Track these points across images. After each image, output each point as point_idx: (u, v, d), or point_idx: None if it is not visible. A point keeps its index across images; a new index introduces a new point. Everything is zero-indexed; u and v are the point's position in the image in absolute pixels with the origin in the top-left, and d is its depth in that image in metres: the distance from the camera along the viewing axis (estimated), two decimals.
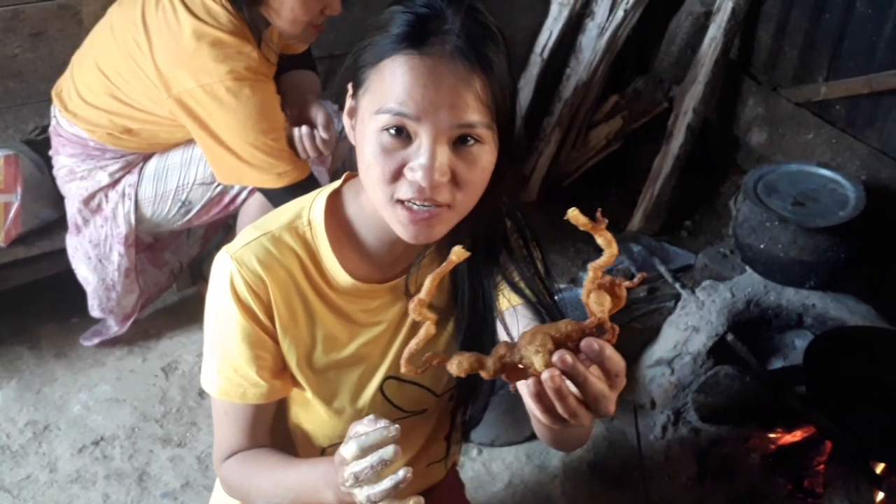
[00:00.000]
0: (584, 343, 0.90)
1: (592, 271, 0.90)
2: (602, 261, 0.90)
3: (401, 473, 1.03)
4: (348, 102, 1.17)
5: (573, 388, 0.89)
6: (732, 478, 2.11)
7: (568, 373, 0.88)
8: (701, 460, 2.16)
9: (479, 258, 1.28)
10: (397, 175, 1.09)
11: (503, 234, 1.29)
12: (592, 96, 3.22)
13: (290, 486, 1.22)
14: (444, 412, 1.44)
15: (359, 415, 1.27)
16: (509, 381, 0.90)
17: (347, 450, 1.04)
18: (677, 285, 2.70)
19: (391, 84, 1.06)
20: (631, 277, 2.78)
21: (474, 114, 1.07)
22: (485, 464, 2.22)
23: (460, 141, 1.08)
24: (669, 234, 3.09)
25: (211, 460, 2.22)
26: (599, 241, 0.90)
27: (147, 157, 2.31)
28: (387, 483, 1.03)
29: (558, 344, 0.88)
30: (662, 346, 2.33)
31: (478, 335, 1.33)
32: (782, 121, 2.94)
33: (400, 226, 1.12)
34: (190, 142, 2.26)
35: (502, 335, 1.26)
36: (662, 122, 3.17)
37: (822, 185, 2.42)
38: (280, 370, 1.27)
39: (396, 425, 1.05)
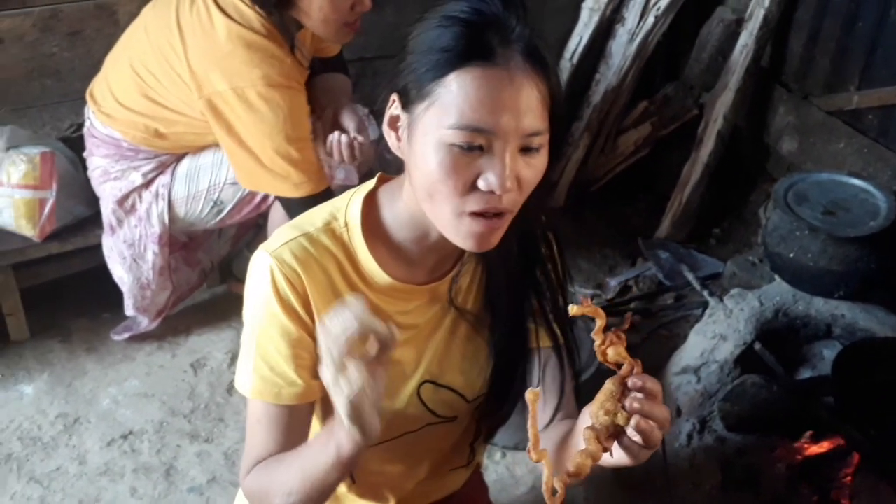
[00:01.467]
0: (638, 385, 1.02)
1: (596, 337, 1.04)
2: (598, 326, 1.05)
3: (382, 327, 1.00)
4: (392, 113, 1.16)
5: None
6: (758, 488, 2.09)
7: (644, 413, 1.01)
8: (726, 469, 2.15)
9: (516, 268, 1.31)
10: (467, 186, 1.09)
11: (538, 248, 1.31)
12: (622, 102, 3.22)
13: (300, 465, 1.19)
14: (472, 418, 1.44)
15: (396, 416, 1.27)
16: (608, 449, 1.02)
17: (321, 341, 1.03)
18: (705, 293, 2.69)
19: (464, 99, 1.06)
20: (659, 284, 2.80)
21: (541, 121, 1.09)
22: (508, 467, 2.23)
23: (524, 150, 1.10)
24: (698, 242, 3.08)
25: (238, 456, 2.25)
26: (588, 312, 1.05)
27: (179, 158, 2.33)
28: (335, 326, 0.99)
29: (618, 399, 1.02)
30: (689, 354, 2.32)
31: (512, 345, 1.35)
32: (813, 129, 2.93)
33: (467, 237, 1.13)
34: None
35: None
36: (692, 128, 3.16)
37: (852, 194, 2.40)
38: (316, 370, 1.26)
39: (393, 328, 1.03)
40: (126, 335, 2.57)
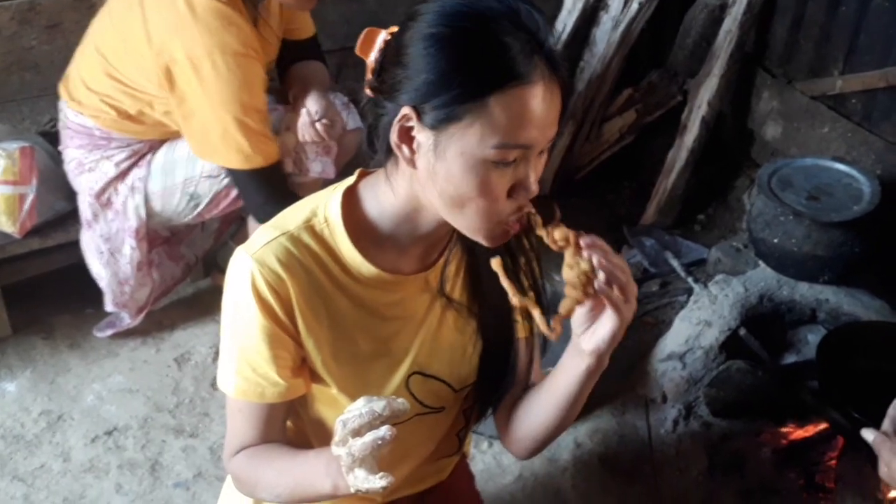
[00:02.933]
0: (587, 242, 1.14)
1: (541, 232, 1.16)
2: (539, 223, 1.17)
3: (382, 430, 1.03)
4: (405, 126, 1.11)
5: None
6: (743, 472, 2.10)
7: (600, 257, 1.13)
8: (712, 455, 2.16)
9: (492, 251, 1.30)
10: (503, 196, 1.12)
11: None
12: (606, 89, 3.21)
13: (293, 474, 1.23)
14: (459, 409, 1.45)
15: None
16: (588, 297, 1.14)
17: (350, 406, 1.07)
18: (690, 279, 2.69)
19: (509, 120, 1.06)
20: (644, 271, 2.80)
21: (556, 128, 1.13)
22: (495, 456, 2.23)
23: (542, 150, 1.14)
24: (683, 228, 3.08)
25: (223, 451, 2.23)
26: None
27: (154, 149, 2.31)
28: (368, 437, 1.03)
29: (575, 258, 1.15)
30: (674, 341, 2.32)
31: (500, 334, 1.37)
32: (797, 114, 2.93)
33: (493, 237, 1.17)
34: None
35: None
36: (676, 115, 3.15)
37: (836, 179, 2.41)
38: (298, 368, 1.28)
39: (403, 402, 1.07)
40: (109, 332, 2.55)
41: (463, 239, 1.28)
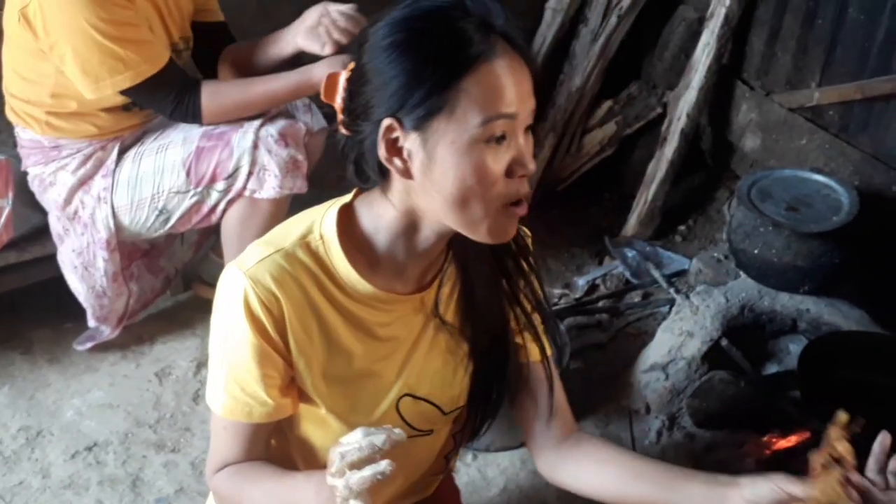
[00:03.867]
0: (855, 480, 1.16)
1: (835, 431, 1.18)
2: (841, 421, 1.19)
3: (382, 464, 1.03)
4: (390, 138, 1.12)
5: None
6: None
7: None
8: (696, 465, 2.16)
9: (494, 274, 1.32)
10: (501, 178, 1.12)
11: (509, 248, 1.32)
12: (586, 102, 3.23)
13: (280, 496, 1.22)
14: (449, 432, 1.44)
15: None
16: None
17: (348, 436, 1.07)
18: (671, 290, 2.70)
19: (484, 94, 1.08)
20: (626, 282, 2.81)
21: (534, 102, 1.15)
22: (480, 469, 2.22)
23: (528, 126, 1.15)
24: (664, 239, 3.09)
25: (205, 466, 2.21)
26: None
27: (108, 152, 2.30)
28: (367, 471, 1.03)
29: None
30: (657, 351, 2.33)
31: (493, 357, 1.36)
32: (775, 126, 2.95)
33: (497, 232, 1.16)
34: (160, 148, 2.27)
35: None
36: (656, 127, 3.18)
37: (815, 190, 2.43)
38: (287, 388, 1.26)
39: (401, 432, 1.07)
40: (89, 345, 2.52)
41: (457, 260, 1.29)
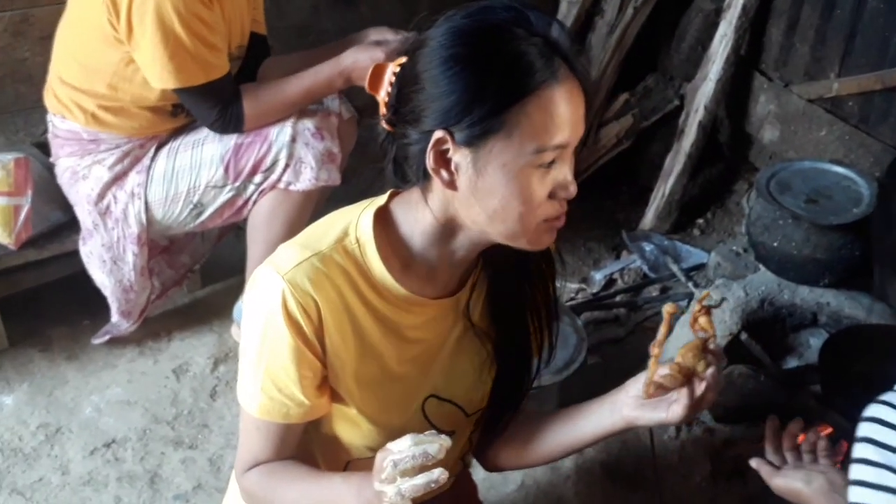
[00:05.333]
0: (716, 350, 1.28)
1: (697, 305, 1.29)
2: (701, 297, 1.31)
3: (436, 473, 1.04)
4: (441, 150, 1.12)
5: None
6: (747, 478, 2.09)
7: (718, 369, 1.26)
8: (715, 460, 2.15)
9: (519, 278, 1.34)
10: (545, 199, 1.14)
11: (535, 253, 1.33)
12: (603, 94, 3.21)
13: (317, 497, 1.22)
14: (469, 434, 1.45)
15: (398, 432, 1.28)
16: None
17: (397, 443, 1.07)
18: (690, 284, 2.68)
19: (543, 123, 1.09)
20: (644, 277, 2.80)
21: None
22: None
23: None
24: (682, 233, 3.07)
25: (223, 462, 2.22)
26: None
27: (146, 149, 2.30)
28: (421, 479, 1.04)
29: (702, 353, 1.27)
30: (675, 346, 2.31)
31: (516, 359, 1.39)
32: (794, 118, 2.92)
33: (538, 240, 1.18)
34: (195, 143, 2.27)
35: None
36: (674, 119, 3.15)
37: (835, 182, 2.40)
38: (321, 388, 1.27)
39: (448, 438, 1.08)
40: (106, 338, 2.53)
41: (487, 266, 1.31)
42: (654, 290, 2.78)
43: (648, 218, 3.07)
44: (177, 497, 2.15)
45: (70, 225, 2.44)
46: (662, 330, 1.25)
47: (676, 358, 1.25)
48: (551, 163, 1.12)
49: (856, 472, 1.06)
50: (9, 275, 2.45)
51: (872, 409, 1.08)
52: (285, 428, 1.28)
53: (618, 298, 2.74)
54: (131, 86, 2.20)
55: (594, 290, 2.79)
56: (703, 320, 1.27)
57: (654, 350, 1.23)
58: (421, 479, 1.03)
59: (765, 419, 2.15)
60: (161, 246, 2.52)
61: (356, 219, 1.24)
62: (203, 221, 2.36)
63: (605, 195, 3.27)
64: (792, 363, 2.30)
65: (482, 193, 1.12)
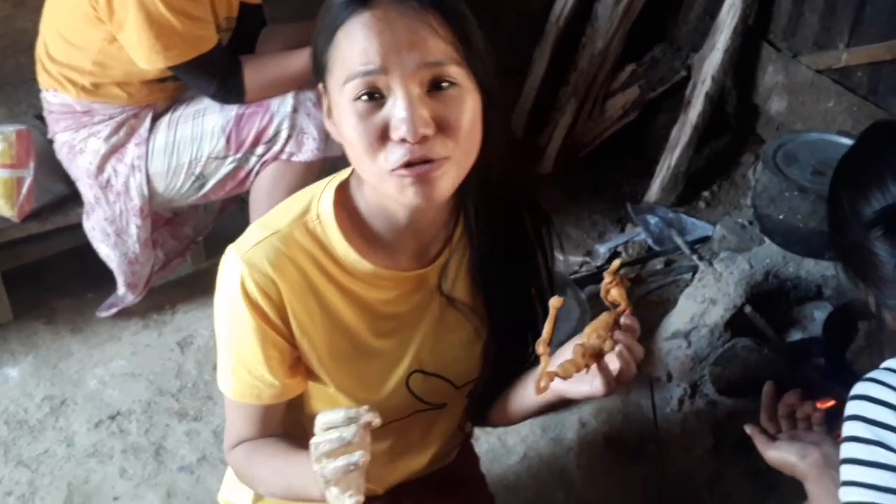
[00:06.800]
0: (627, 323, 1.16)
1: (608, 276, 1.20)
2: (613, 268, 1.21)
3: (355, 456, 1.01)
4: (324, 103, 1.14)
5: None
6: (750, 451, 2.07)
7: (627, 346, 1.14)
8: (718, 433, 2.15)
9: (506, 249, 1.29)
10: (382, 141, 1.05)
11: (523, 223, 1.31)
12: (609, 65, 3.18)
13: (286, 474, 1.22)
14: (462, 404, 1.44)
15: (382, 405, 1.27)
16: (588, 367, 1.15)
17: (325, 417, 1.04)
18: (694, 257, 2.67)
19: (349, 49, 1.05)
20: (648, 250, 2.79)
21: (438, 52, 1.04)
22: (500, 437, 2.22)
23: (435, 87, 1.06)
24: (687, 205, 3.05)
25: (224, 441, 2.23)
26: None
27: (141, 120, 2.29)
28: (341, 461, 1.01)
29: (609, 330, 1.16)
30: (679, 319, 2.31)
31: (509, 332, 1.35)
32: (802, 88, 2.89)
33: (400, 194, 1.08)
34: (196, 114, 2.25)
35: None
36: (680, 90, 3.12)
37: (842, 154, 2.37)
38: (293, 368, 1.26)
39: (376, 415, 1.04)
40: (113, 310, 2.54)
41: (468, 236, 1.27)
42: (658, 263, 2.77)
43: (654, 190, 3.05)
44: (181, 469, 2.16)
45: (73, 198, 2.43)
46: (547, 327, 1.12)
47: (582, 338, 1.15)
48: (374, 96, 1.04)
49: (847, 449, 1.06)
50: (12, 247, 2.46)
51: (860, 387, 1.07)
52: (262, 409, 1.28)
53: (622, 272, 2.72)
54: (118, 62, 2.18)
55: (598, 264, 2.78)
56: (615, 292, 1.18)
57: (539, 349, 1.12)
58: (341, 462, 1.01)
59: None
60: (164, 218, 2.52)
61: (319, 194, 1.22)
62: (206, 193, 2.35)
63: (611, 167, 3.25)
64: (796, 336, 2.29)
65: (342, 139, 1.12)
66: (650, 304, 2.58)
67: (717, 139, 3.15)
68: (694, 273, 2.52)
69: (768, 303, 2.30)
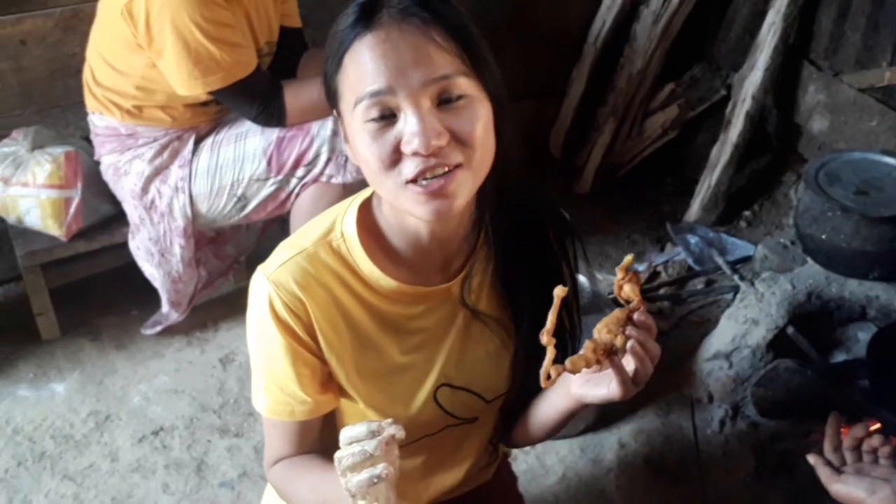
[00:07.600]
0: (640, 320, 1.13)
1: (620, 272, 1.18)
2: (625, 264, 1.18)
3: (378, 468, 1.01)
4: (340, 129, 1.17)
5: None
6: (792, 473, 2.06)
7: (640, 341, 1.12)
8: (760, 455, 2.12)
9: (528, 259, 1.29)
10: (396, 158, 1.07)
11: (545, 233, 1.30)
12: (648, 84, 3.18)
13: (321, 491, 1.23)
14: (494, 418, 1.43)
15: (412, 421, 1.27)
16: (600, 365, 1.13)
17: (348, 432, 1.05)
18: (736, 277, 2.65)
19: (356, 73, 1.07)
20: (689, 269, 2.77)
21: (444, 65, 1.06)
22: (538, 457, 2.21)
23: (444, 101, 1.07)
24: (728, 225, 3.03)
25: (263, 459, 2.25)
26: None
27: (184, 142, 2.33)
28: (364, 474, 1.02)
29: (621, 326, 1.14)
30: (720, 340, 2.29)
31: (536, 342, 1.33)
32: (844, 107, 2.87)
33: (417, 207, 1.09)
34: (238, 137, 2.29)
35: None
36: (720, 110, 3.11)
37: (886, 173, 2.35)
38: (325, 385, 1.28)
39: (392, 423, 1.05)
40: (157, 329, 2.59)
41: (490, 248, 1.26)
42: (699, 283, 2.75)
43: (694, 210, 3.04)
44: (223, 484, 2.19)
45: (119, 217, 2.49)
46: (551, 317, 1.09)
47: (593, 334, 1.14)
48: (386, 116, 1.06)
49: None
50: (60, 266, 2.52)
51: None
52: (297, 425, 1.29)
53: (662, 291, 2.71)
54: (161, 87, 2.23)
55: None
56: (627, 288, 1.16)
57: (543, 339, 1.09)
58: (365, 475, 1.01)
59: (811, 415, 2.13)
60: (208, 237, 2.56)
61: (342, 214, 1.24)
62: (247, 214, 2.39)
63: (650, 186, 3.25)
64: (840, 358, 2.26)
65: (359, 162, 1.13)
66: (691, 325, 2.56)
67: (758, 158, 3.13)
68: (735, 293, 2.50)
69: (811, 324, 2.27)
